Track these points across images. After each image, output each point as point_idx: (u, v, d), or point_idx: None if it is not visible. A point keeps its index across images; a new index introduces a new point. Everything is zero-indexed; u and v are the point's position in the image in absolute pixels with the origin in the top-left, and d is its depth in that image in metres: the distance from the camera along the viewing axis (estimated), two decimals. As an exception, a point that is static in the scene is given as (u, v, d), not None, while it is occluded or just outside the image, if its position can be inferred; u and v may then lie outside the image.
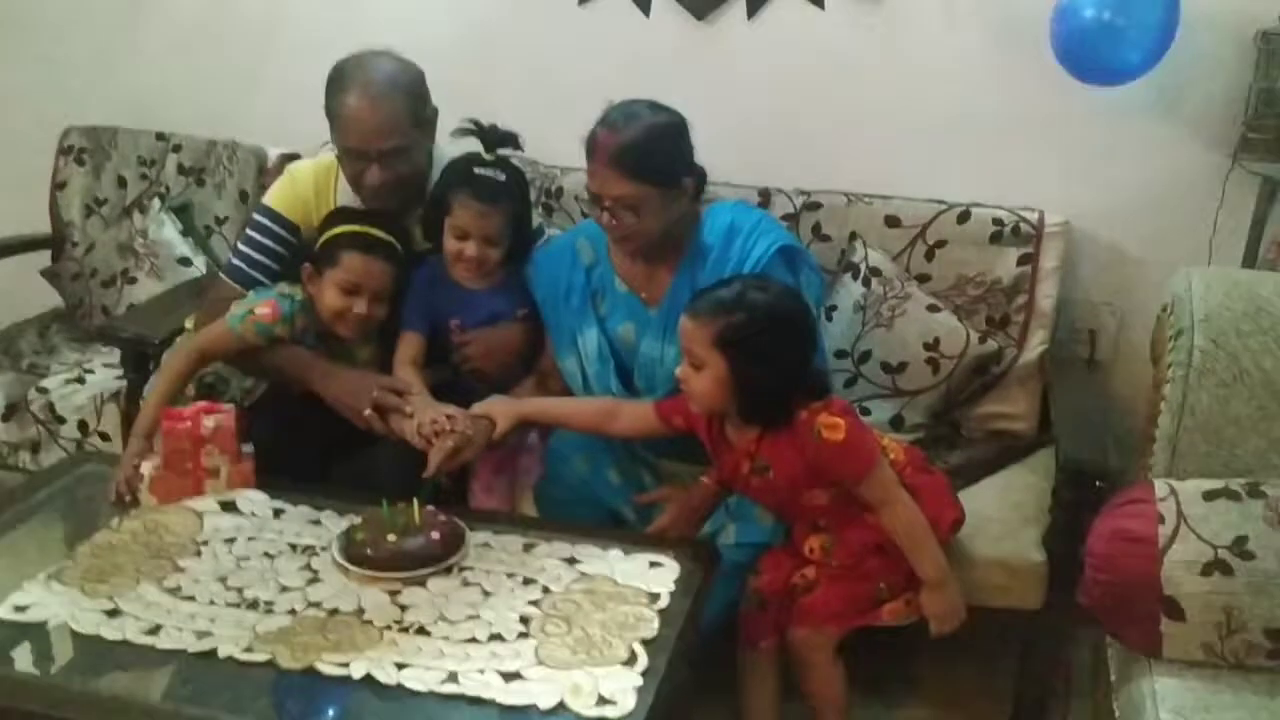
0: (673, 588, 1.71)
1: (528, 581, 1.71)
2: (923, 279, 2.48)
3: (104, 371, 2.64)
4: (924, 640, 1.92)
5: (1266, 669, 1.62)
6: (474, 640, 1.56)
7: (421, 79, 2.15)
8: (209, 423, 1.89)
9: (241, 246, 2.23)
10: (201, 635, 1.56)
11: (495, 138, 2.13)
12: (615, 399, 2.08)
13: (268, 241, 2.20)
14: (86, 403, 2.51)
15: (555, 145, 2.36)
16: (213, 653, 1.53)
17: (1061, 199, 2.47)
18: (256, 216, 2.24)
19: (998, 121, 2.51)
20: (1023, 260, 2.44)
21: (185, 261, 2.84)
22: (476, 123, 2.13)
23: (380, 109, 2.06)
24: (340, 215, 2.14)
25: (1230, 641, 1.62)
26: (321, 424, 2.11)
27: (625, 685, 1.48)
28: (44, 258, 3.04)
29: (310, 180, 2.23)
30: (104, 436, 2.49)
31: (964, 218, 2.47)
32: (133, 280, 2.85)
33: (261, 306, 2.09)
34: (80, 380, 2.60)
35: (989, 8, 2.45)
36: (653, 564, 1.77)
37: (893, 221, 2.51)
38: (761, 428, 1.84)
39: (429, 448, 1.94)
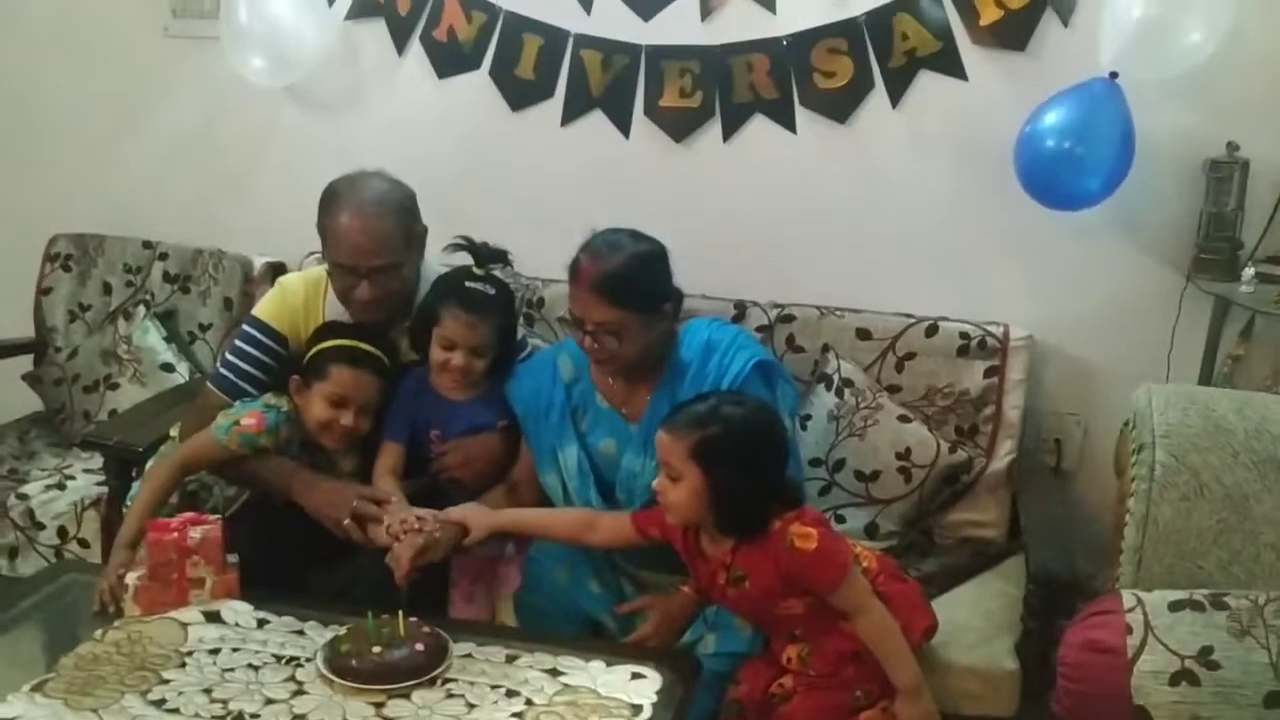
0: (654, 699, 1.73)
1: (511, 694, 1.73)
2: (893, 389, 2.56)
3: (84, 477, 2.65)
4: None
5: (1236, 779, 1.66)
6: (460, 754, 1.58)
7: (412, 198, 2.23)
8: (195, 534, 1.91)
9: (229, 356, 2.27)
10: (186, 751, 1.56)
11: (486, 254, 2.20)
12: (593, 510, 2.12)
13: (256, 352, 2.25)
14: (67, 509, 2.52)
15: (537, 258, 2.46)
16: (198, 768, 1.53)
17: (1026, 314, 2.57)
18: (245, 328, 2.28)
19: (964, 240, 2.62)
20: (989, 373, 2.52)
21: (168, 368, 2.88)
22: (468, 239, 2.20)
23: (372, 228, 2.14)
24: (329, 330, 2.19)
25: (1200, 752, 1.66)
26: (302, 533, 2.13)
27: (611, 798, 1.49)
28: (25, 363, 3.07)
29: (300, 293, 2.29)
30: (83, 543, 2.49)
31: (932, 331, 2.56)
32: (115, 386, 2.88)
33: (247, 418, 2.12)
34: (60, 486, 2.61)
35: (953, 135, 2.57)
36: (635, 675, 1.79)
37: (864, 334, 2.59)
38: (737, 539, 1.88)
39: (397, 544, 1.96)
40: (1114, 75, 2.33)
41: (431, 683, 1.73)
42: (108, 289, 3.04)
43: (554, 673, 1.79)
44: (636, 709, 1.70)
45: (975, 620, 2.16)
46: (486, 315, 2.15)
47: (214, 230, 3.03)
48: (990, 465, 2.50)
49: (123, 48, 3.05)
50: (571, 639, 1.94)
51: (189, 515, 1.97)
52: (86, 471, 2.68)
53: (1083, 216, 2.45)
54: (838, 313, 2.62)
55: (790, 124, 2.67)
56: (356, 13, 2.85)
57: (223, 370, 2.26)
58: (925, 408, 2.55)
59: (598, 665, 1.81)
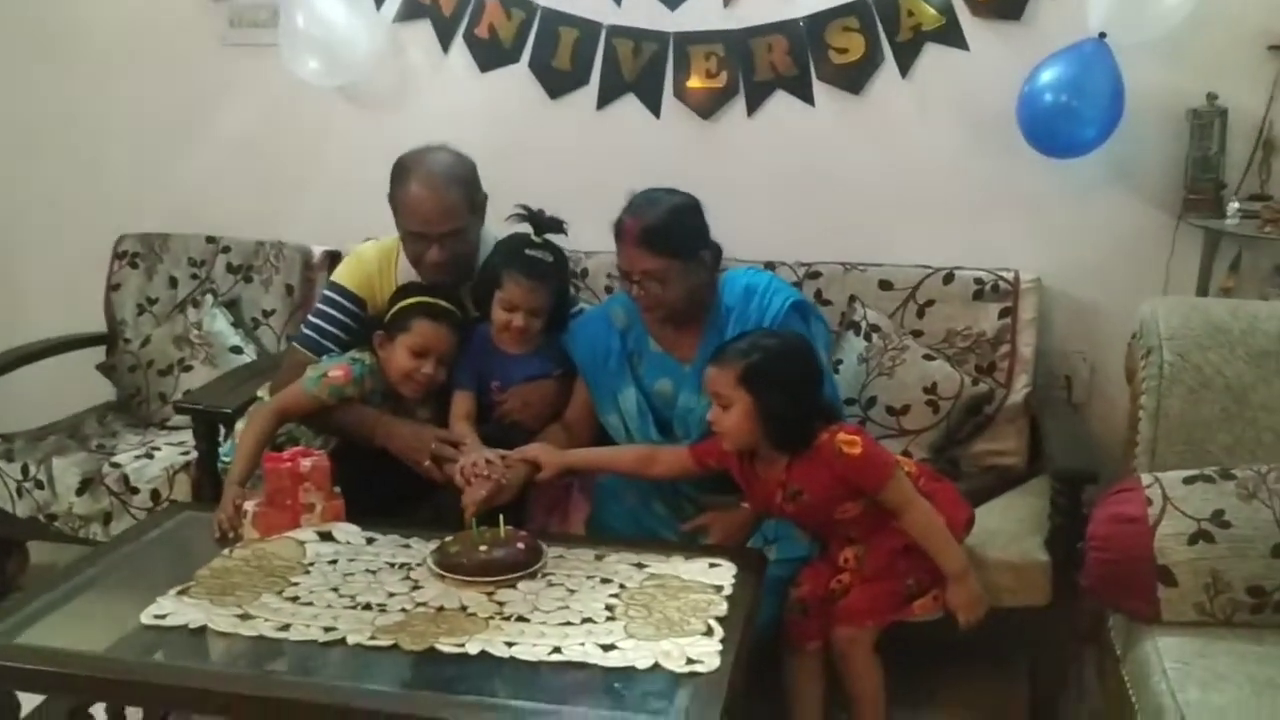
0: (733, 581, 1.94)
1: (605, 581, 1.94)
2: (916, 334, 2.79)
3: (170, 449, 2.84)
4: (949, 636, 2.15)
5: (1251, 623, 1.87)
6: (569, 624, 1.78)
7: (474, 169, 2.47)
8: (306, 463, 2.12)
9: (313, 318, 2.50)
10: (328, 629, 1.76)
11: (544, 222, 2.42)
12: (653, 445, 2.33)
13: (336, 313, 2.48)
14: (160, 474, 2.71)
15: (579, 233, 2.65)
16: (341, 641, 1.73)
17: (1033, 261, 2.81)
18: (327, 292, 2.52)
19: (973, 195, 2.87)
20: (1003, 314, 2.76)
21: (237, 350, 3.09)
22: (527, 208, 2.43)
23: (441, 197, 2.37)
24: (409, 289, 2.42)
25: (1218, 600, 1.87)
26: (385, 479, 2.34)
27: (708, 650, 1.70)
28: (94, 357, 3.27)
29: (374, 259, 2.52)
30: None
31: (949, 279, 2.80)
32: (188, 368, 3.08)
33: (334, 370, 2.34)
34: (149, 456, 2.80)
35: (959, 100, 2.83)
36: (712, 564, 2.00)
37: (886, 285, 2.83)
38: (789, 455, 2.10)
39: (468, 488, 2.17)
40: (1102, 36, 2.58)
41: (533, 576, 1.94)
42: (173, 283, 3.24)
43: (639, 565, 2.00)
44: (718, 588, 1.91)
45: (1007, 525, 2.38)
46: (545, 280, 2.37)
47: (274, 224, 3.23)
48: (1009, 397, 2.73)
49: (183, 57, 3.26)
50: (649, 541, 2.15)
51: (298, 449, 2.18)
52: (170, 445, 2.87)
53: (1080, 167, 2.70)
54: (860, 267, 2.85)
55: (809, 97, 2.91)
56: (404, 15, 3.09)
57: (307, 330, 2.49)
58: (946, 349, 2.77)
59: (677, 558, 2.02)
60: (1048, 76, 2.60)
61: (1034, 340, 2.76)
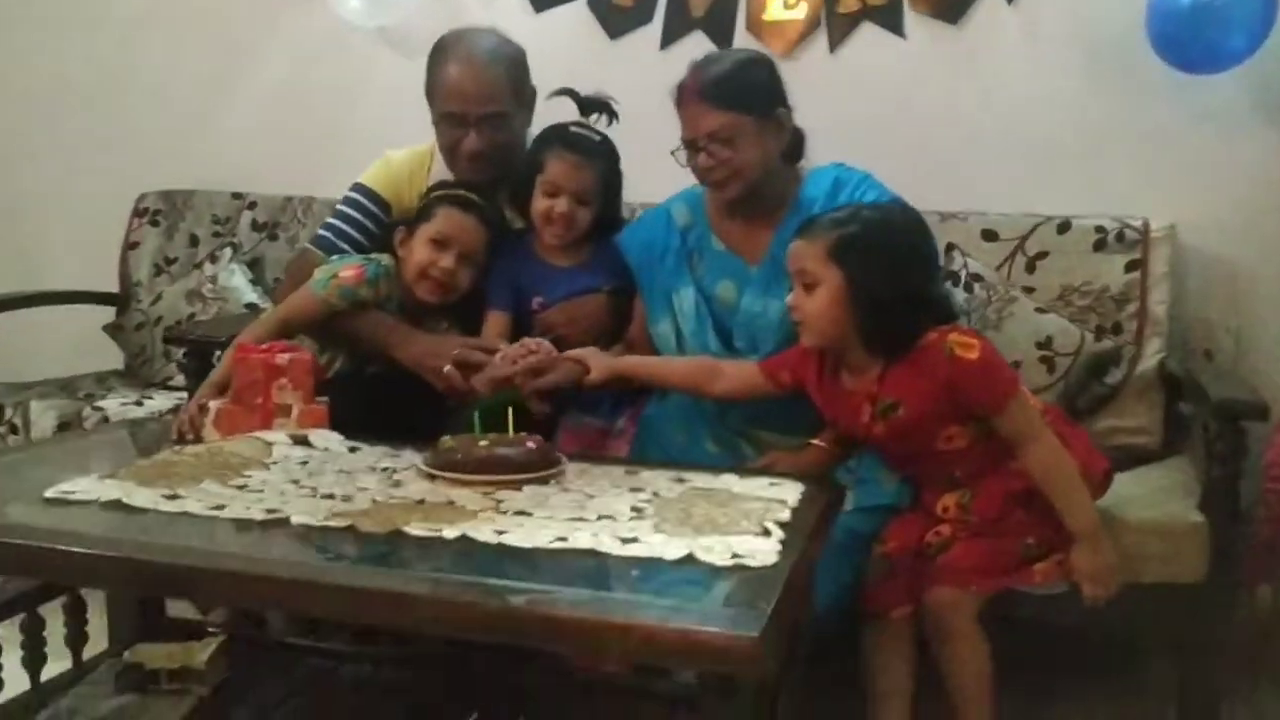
0: (799, 496, 1.51)
1: (635, 490, 1.52)
2: (1027, 290, 2.36)
3: (163, 400, 2.52)
4: (1069, 618, 1.68)
5: None
6: (581, 519, 1.37)
7: (523, 56, 2.16)
8: (284, 356, 1.76)
9: (331, 220, 2.20)
10: (270, 512, 1.37)
11: (589, 103, 2.10)
12: (715, 358, 1.93)
13: (358, 215, 2.17)
14: (145, 417, 2.38)
15: (639, 183, 2.29)
16: (285, 522, 1.34)
17: (1165, 206, 2.38)
18: (350, 193, 2.21)
19: (1090, 134, 2.47)
20: (1130, 266, 2.32)
21: (253, 308, 2.77)
22: (571, 90, 2.10)
23: (482, 75, 2.06)
24: (441, 186, 2.09)
25: None
26: (399, 406, 1.97)
27: (763, 548, 1.27)
28: (105, 318, 2.99)
29: (406, 164, 2.22)
30: (159, 453, 2.34)
31: (1064, 228, 2.38)
32: (198, 324, 2.76)
33: (346, 269, 2.00)
34: (138, 404, 2.48)
35: (1072, 20, 2.45)
36: (773, 483, 1.57)
37: (990, 235, 2.41)
38: (885, 356, 1.68)
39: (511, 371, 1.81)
40: (1250, -71, 2.20)
41: (544, 482, 1.53)
42: (194, 241, 2.97)
43: (680, 480, 1.58)
44: (780, 502, 1.47)
45: (1144, 491, 1.91)
46: (592, 158, 2.04)
47: (306, 179, 2.95)
48: (1139, 364, 2.27)
49: (219, 7, 3.05)
50: (695, 464, 1.73)
51: (279, 343, 1.82)
52: (166, 398, 2.55)
53: (1223, 89, 2.30)
54: (960, 215, 2.45)
55: (899, 29, 2.57)
56: (457, -50, 2.85)
57: (323, 232, 2.18)
58: (1061, 308, 2.34)
59: (729, 477, 1.60)
60: (1183, -23, 2.22)
61: (1167, 298, 2.32)
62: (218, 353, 2.26)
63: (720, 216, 2.01)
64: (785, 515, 1.39)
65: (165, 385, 2.73)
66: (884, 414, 1.68)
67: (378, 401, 1.97)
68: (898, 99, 2.58)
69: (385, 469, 1.60)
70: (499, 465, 1.52)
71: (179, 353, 2.41)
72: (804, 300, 1.69)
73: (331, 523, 1.32)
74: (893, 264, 1.65)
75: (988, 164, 2.53)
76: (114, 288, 3.01)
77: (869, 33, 2.59)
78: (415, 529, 1.30)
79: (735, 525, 1.34)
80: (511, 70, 2.10)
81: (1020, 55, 2.51)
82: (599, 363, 1.86)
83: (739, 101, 1.87)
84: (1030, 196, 2.45)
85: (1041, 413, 1.73)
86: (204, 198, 3.00)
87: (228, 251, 2.88)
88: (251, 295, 2.80)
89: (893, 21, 2.57)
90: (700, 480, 1.57)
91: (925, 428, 1.68)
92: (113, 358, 2.97)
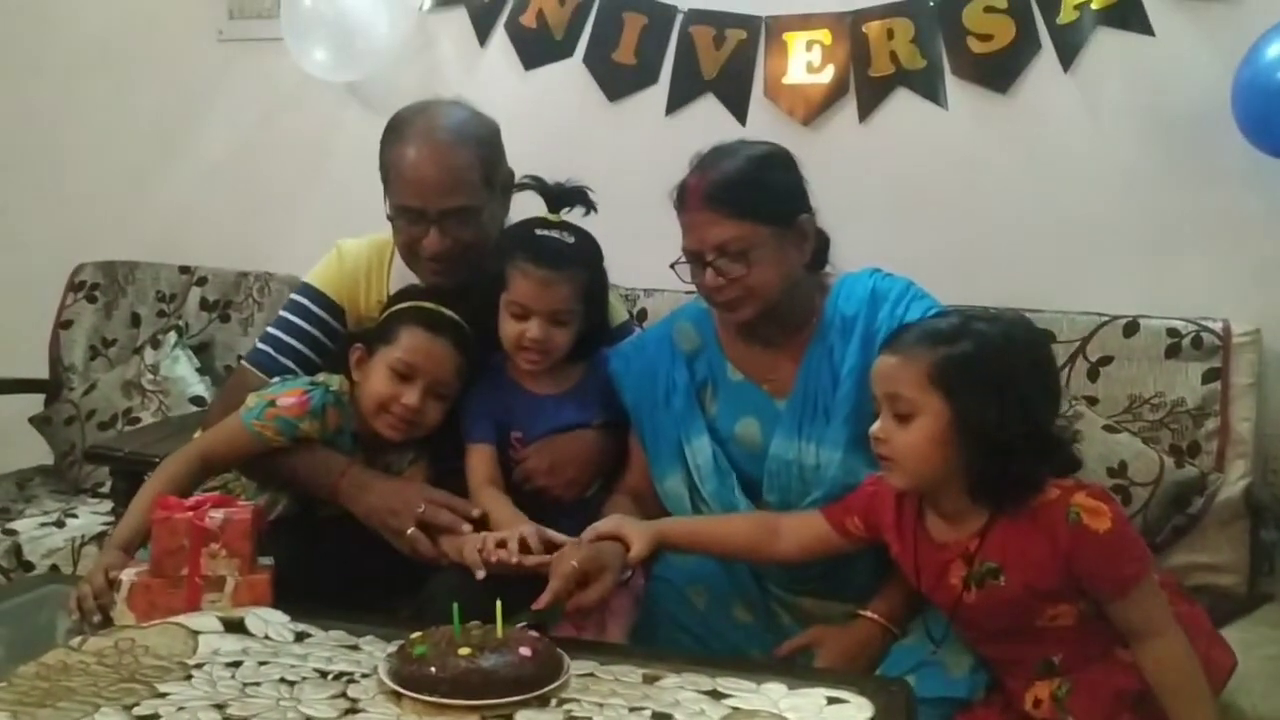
0: (869, 724, 1.18)
1: (659, 716, 1.19)
2: (1090, 401, 2.06)
3: (90, 518, 2.19)
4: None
5: None
6: (595, 786, 1.04)
7: (496, 134, 1.81)
8: (217, 515, 1.42)
9: (271, 330, 1.82)
10: (184, 774, 1.03)
11: (559, 195, 1.73)
12: (769, 512, 1.61)
13: (305, 325, 1.80)
14: (63, 545, 2.06)
15: (639, 266, 2.01)
16: (200, 797, 1.00)
17: (1247, 308, 2.11)
18: (295, 296, 1.84)
19: (1159, 223, 2.20)
20: (1209, 376, 2.04)
21: (199, 401, 2.44)
22: (537, 178, 1.75)
23: (444, 160, 1.70)
24: (409, 293, 1.74)
25: None
26: (356, 554, 1.63)
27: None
28: (35, 405, 2.64)
29: (362, 258, 1.86)
30: (79, 587, 1.99)
31: (1132, 329, 2.09)
32: (135, 420, 2.45)
33: (285, 397, 1.64)
34: (59, 524, 2.14)
35: (1140, 100, 2.19)
36: (831, 700, 1.24)
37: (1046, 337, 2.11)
38: (991, 509, 1.37)
39: (519, 567, 1.45)
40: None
41: (543, 702, 1.20)
42: (136, 320, 2.64)
43: (715, 695, 1.25)
44: (846, 736, 1.15)
45: (1255, 665, 1.59)
46: (564, 269, 1.65)
47: (261, 253, 2.67)
48: (1221, 490, 1.97)
49: (171, 57, 2.77)
50: (728, 659, 1.39)
51: (212, 495, 1.49)
52: (93, 513, 2.21)
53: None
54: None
55: (938, 97, 2.29)
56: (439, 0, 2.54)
57: (262, 345, 1.81)
58: (1130, 423, 2.05)
59: (775, 688, 1.27)
60: (1276, 50, 1.93)
61: (1252, 414, 2.04)
62: (147, 474, 1.92)
63: (733, 338, 1.69)
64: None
65: (95, 492, 2.38)
66: (979, 580, 1.37)
67: (330, 553, 1.64)
68: (936, 178, 2.32)
69: (340, 676, 1.26)
70: (484, 684, 1.18)
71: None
72: (896, 433, 1.37)
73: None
74: (1013, 394, 1.34)
75: (1042, 254, 2.27)
76: (43, 373, 2.66)
77: (904, 100, 2.32)
78: (374, 814, 0.97)
79: (797, 795, 1.01)
80: (481, 152, 1.74)
81: (1079, 130, 2.24)
82: (635, 531, 1.51)
83: (754, 209, 1.55)
84: (1092, 293, 2.19)
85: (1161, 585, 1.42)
86: (148, 271, 2.69)
87: (172, 335, 2.55)
88: (198, 387, 2.48)
89: (931, 89, 2.28)
90: (742, 698, 1.24)
91: (1030, 602, 1.36)
92: (39, 452, 2.62)
